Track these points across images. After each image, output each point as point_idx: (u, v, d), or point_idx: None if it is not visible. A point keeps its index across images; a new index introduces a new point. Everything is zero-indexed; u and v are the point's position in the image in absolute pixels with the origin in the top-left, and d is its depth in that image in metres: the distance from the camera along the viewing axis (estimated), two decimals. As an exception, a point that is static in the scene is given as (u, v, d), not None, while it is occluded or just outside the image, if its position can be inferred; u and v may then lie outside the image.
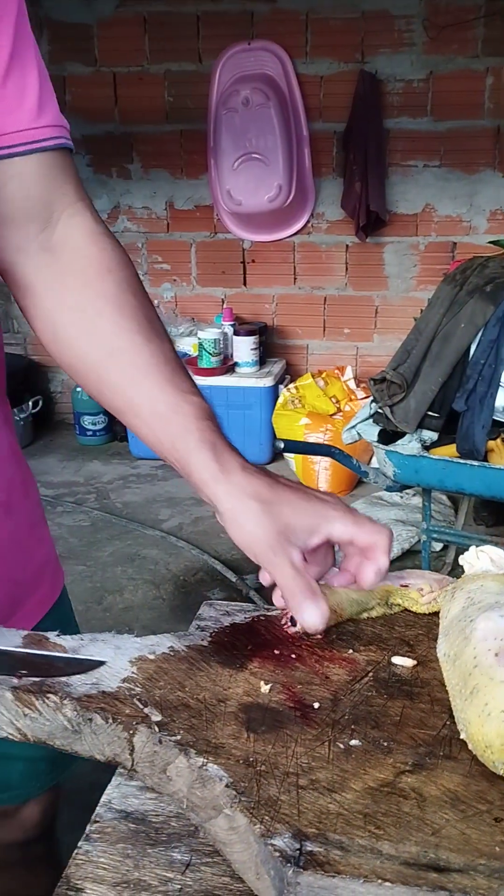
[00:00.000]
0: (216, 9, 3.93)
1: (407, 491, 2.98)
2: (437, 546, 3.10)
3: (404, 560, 3.09)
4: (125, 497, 3.70)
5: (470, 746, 0.55)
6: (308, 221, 4.15)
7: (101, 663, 0.66)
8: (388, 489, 2.64)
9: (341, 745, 0.59)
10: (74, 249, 0.78)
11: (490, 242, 3.94)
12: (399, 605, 0.74)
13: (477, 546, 0.67)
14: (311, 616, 0.66)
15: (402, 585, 0.74)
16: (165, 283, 4.38)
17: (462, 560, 0.69)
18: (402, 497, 3.43)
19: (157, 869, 0.54)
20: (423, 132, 3.93)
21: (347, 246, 4.15)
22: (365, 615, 0.73)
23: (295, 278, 4.26)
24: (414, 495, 3.35)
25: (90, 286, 0.76)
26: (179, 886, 0.53)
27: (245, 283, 4.32)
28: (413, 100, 3.90)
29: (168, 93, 4.11)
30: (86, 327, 0.76)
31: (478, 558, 0.67)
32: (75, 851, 0.55)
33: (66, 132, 0.78)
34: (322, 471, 3.66)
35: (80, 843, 0.55)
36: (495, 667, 0.54)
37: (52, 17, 4.04)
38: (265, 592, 2.89)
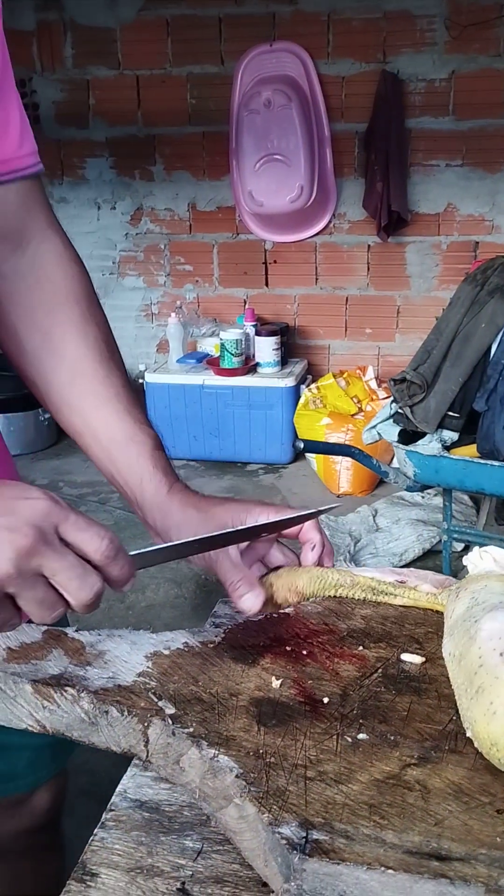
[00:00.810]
0: (238, 11, 3.95)
1: (428, 491, 2.98)
2: (459, 546, 3.09)
3: (425, 560, 3.09)
4: (148, 496, 3.72)
5: (476, 744, 0.57)
6: (330, 222, 4.15)
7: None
8: (409, 489, 2.65)
9: (349, 739, 0.60)
10: (44, 275, 0.83)
11: (513, 242, 3.95)
12: (392, 593, 0.76)
13: (481, 546, 0.68)
14: (246, 601, 0.73)
15: (398, 582, 0.76)
16: (188, 283, 4.41)
17: (466, 561, 0.71)
18: (423, 497, 3.43)
19: (169, 856, 0.56)
20: (445, 131, 3.93)
21: (369, 246, 4.15)
22: (343, 594, 0.78)
23: (317, 278, 4.27)
24: (435, 495, 3.34)
25: (57, 312, 0.82)
26: (191, 872, 0.55)
27: (267, 284, 4.34)
28: (435, 99, 3.89)
29: (190, 95, 4.13)
30: (51, 350, 0.81)
31: (481, 559, 0.69)
32: (91, 838, 0.57)
33: (38, 157, 0.83)
34: (343, 471, 3.67)
35: (95, 831, 0.57)
36: (500, 666, 0.55)
37: (77, 21, 4.08)
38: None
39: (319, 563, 0.79)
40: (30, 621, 0.59)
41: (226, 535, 0.72)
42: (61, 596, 0.57)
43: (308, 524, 0.78)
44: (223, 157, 4.15)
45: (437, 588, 0.74)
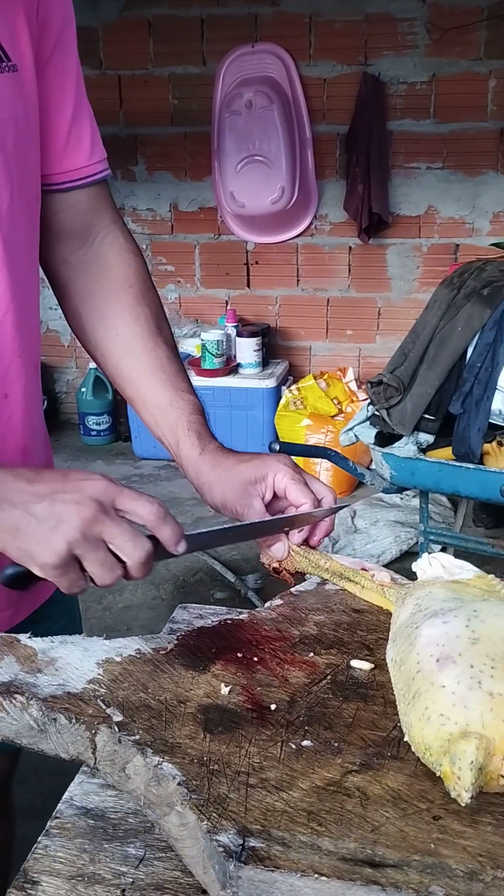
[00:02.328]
0: (220, 12, 3.95)
1: (407, 492, 3.00)
2: (436, 548, 3.11)
3: (403, 561, 3.11)
4: (128, 497, 3.72)
5: (413, 748, 0.58)
6: (311, 223, 4.16)
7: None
8: (385, 491, 2.66)
9: (293, 746, 0.61)
10: (105, 265, 0.96)
11: (492, 245, 3.96)
12: (352, 580, 0.79)
13: (430, 553, 0.69)
14: (277, 550, 0.83)
15: (362, 569, 0.78)
16: (170, 284, 4.41)
17: (415, 566, 0.72)
18: (401, 499, 3.45)
19: (111, 863, 0.57)
20: (426, 134, 3.94)
21: (350, 248, 4.17)
22: (319, 574, 0.83)
23: (298, 280, 4.27)
24: (414, 497, 3.36)
25: (112, 297, 0.95)
26: (132, 880, 0.56)
27: (248, 285, 4.34)
28: (416, 102, 3.91)
29: (172, 95, 4.13)
30: (107, 329, 0.95)
31: (430, 565, 0.70)
32: (34, 846, 0.57)
33: (107, 162, 0.96)
34: (323, 472, 3.68)
35: (39, 839, 0.58)
36: (436, 672, 0.56)
37: (58, 20, 4.06)
38: (264, 593, 2.92)
39: (308, 540, 0.85)
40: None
41: (260, 524, 0.81)
42: (119, 560, 0.68)
43: (306, 507, 0.83)
44: (205, 157, 4.15)
45: (388, 579, 0.76)
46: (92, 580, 0.69)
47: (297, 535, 0.85)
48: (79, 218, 0.94)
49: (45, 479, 0.69)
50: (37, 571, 0.68)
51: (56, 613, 1.02)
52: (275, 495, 0.85)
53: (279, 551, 0.84)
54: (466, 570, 0.68)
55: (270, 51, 3.93)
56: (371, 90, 3.85)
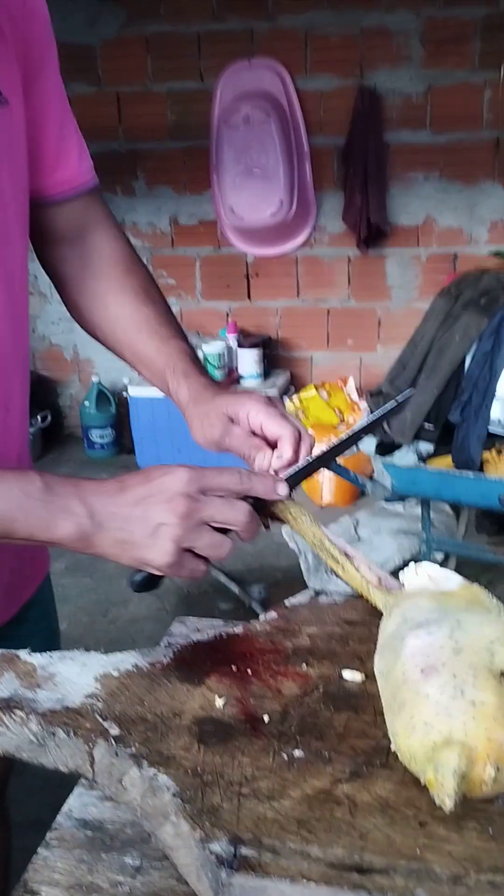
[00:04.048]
0: (217, 28, 3.99)
1: (410, 500, 3.01)
2: (439, 556, 3.12)
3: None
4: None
5: (399, 757, 0.59)
6: (310, 235, 4.19)
7: None
8: (387, 500, 2.68)
9: (285, 756, 0.63)
10: (95, 252, 1.01)
11: (492, 253, 3.99)
12: (336, 560, 0.79)
13: (416, 563, 0.71)
14: (281, 488, 0.80)
15: (346, 553, 0.78)
16: (171, 297, 4.44)
17: (402, 577, 0.73)
18: (404, 507, 3.46)
19: (109, 873, 0.58)
20: (423, 145, 3.97)
21: (350, 258, 4.19)
22: (308, 539, 0.82)
23: (298, 291, 4.30)
24: (416, 505, 3.37)
25: (103, 276, 1.01)
26: (129, 889, 0.57)
27: (249, 297, 4.37)
28: (412, 113, 3.94)
29: (171, 111, 4.17)
30: (99, 306, 1.01)
31: (416, 575, 0.71)
32: (34, 857, 0.59)
33: (94, 171, 1.02)
34: (326, 481, 3.69)
35: (38, 850, 0.60)
36: (421, 682, 0.58)
37: (57, 38, 4.08)
38: (268, 605, 2.93)
39: (296, 453, 0.84)
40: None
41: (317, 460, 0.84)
42: (225, 532, 0.72)
43: (287, 436, 0.83)
44: (204, 171, 4.19)
45: (375, 578, 0.77)
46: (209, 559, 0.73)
47: (287, 450, 0.83)
48: (73, 223, 1.00)
49: (130, 485, 0.72)
50: (156, 573, 0.73)
51: (36, 615, 1.05)
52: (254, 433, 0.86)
53: (284, 490, 0.80)
54: (452, 581, 0.69)
55: (267, 65, 3.97)
56: (367, 102, 3.88)
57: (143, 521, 0.69)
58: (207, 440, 0.89)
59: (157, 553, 0.70)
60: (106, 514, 0.70)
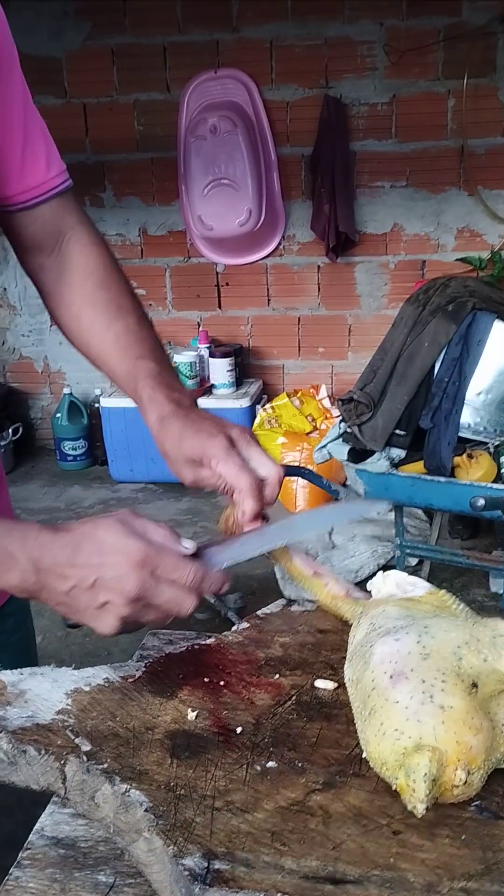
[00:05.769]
0: (182, 39, 4.00)
1: (383, 505, 3.02)
2: (413, 561, 3.14)
3: (381, 576, 3.12)
4: (106, 522, 3.71)
5: (371, 764, 0.59)
6: (279, 244, 4.21)
7: None
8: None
9: (258, 768, 0.62)
10: (70, 263, 1.01)
11: (458, 260, 4.03)
12: (303, 585, 0.79)
13: (383, 572, 0.71)
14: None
15: (314, 573, 0.78)
16: (141, 308, 4.43)
17: (370, 585, 0.73)
18: (378, 513, 3.47)
19: (82, 892, 0.58)
20: (389, 153, 4.01)
21: (319, 267, 4.21)
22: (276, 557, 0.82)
23: (269, 300, 4.31)
24: (390, 511, 3.39)
25: (77, 288, 1.00)
26: (102, 907, 0.57)
27: (220, 306, 4.37)
28: (378, 122, 3.98)
29: (138, 122, 4.17)
30: (74, 319, 1.01)
31: (384, 583, 0.72)
32: (6, 878, 0.58)
33: (66, 172, 1.00)
34: (300, 488, 3.70)
35: (11, 870, 0.59)
36: (390, 688, 0.58)
37: (22, 50, 4.03)
38: (244, 614, 2.92)
39: (259, 501, 0.80)
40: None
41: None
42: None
43: (245, 487, 0.80)
44: (172, 182, 4.19)
45: (343, 592, 0.77)
46: None
47: (248, 503, 0.80)
48: (47, 228, 0.99)
49: (82, 549, 0.69)
50: None
51: (9, 627, 1.04)
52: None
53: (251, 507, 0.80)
54: (419, 587, 0.70)
55: (233, 76, 3.99)
56: (333, 112, 3.91)
57: (90, 594, 0.68)
58: (179, 476, 0.88)
59: (100, 624, 0.70)
60: (53, 575, 0.69)
